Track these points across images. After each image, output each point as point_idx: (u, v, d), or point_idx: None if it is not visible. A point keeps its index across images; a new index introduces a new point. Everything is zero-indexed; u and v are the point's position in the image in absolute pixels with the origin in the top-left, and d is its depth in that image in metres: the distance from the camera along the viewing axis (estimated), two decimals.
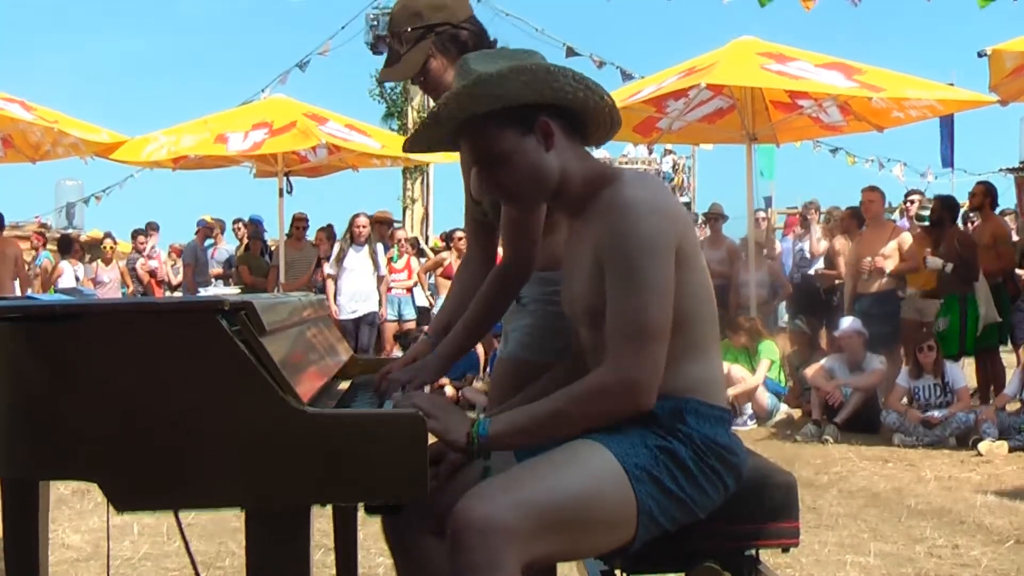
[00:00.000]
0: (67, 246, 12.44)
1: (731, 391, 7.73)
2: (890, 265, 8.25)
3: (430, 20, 2.43)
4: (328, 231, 11.17)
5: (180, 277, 12.94)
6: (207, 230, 12.54)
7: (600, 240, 1.94)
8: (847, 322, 7.79)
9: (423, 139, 2.08)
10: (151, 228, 13.21)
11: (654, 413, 1.95)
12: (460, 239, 11.29)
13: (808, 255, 10.00)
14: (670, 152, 18.32)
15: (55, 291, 10.37)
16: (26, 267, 10.98)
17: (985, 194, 8.19)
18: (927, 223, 8.21)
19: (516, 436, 1.95)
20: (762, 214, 11.49)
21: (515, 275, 2.38)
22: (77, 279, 12.01)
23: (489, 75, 1.90)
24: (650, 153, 17.16)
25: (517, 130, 1.95)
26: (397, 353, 9.88)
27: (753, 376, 7.98)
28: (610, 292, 1.91)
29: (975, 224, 8.18)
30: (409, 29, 2.45)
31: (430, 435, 1.83)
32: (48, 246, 13.62)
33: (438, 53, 2.45)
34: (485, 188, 2.04)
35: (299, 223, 11.02)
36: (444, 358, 2.38)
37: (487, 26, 2.54)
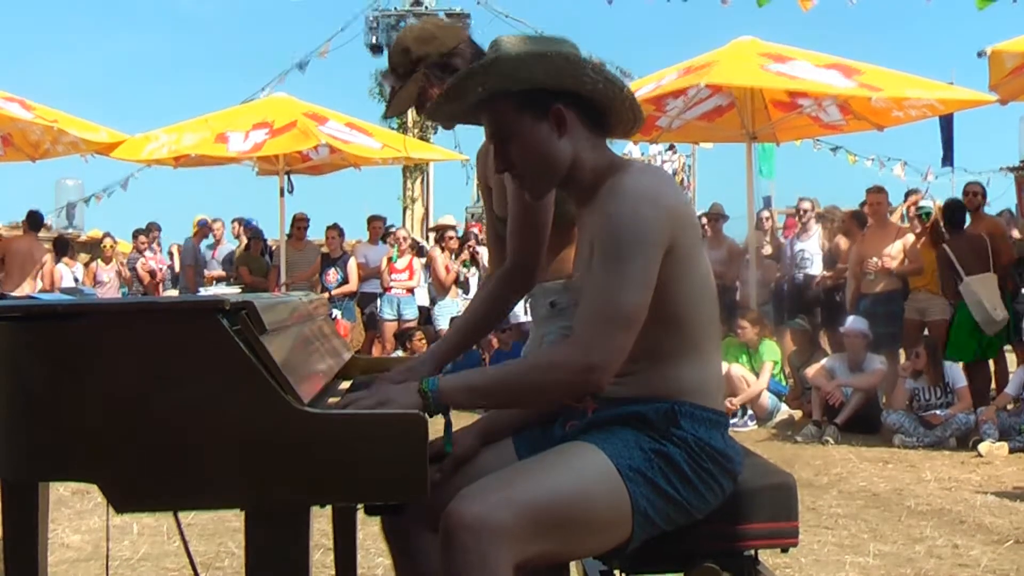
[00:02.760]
0: (63, 247, 12.38)
1: (737, 400, 7.75)
2: (895, 266, 8.26)
3: (417, 54, 2.47)
4: (336, 229, 11.19)
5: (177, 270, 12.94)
6: (206, 229, 12.51)
7: (596, 226, 1.95)
8: (853, 321, 7.78)
9: (442, 112, 2.10)
10: (153, 228, 13.15)
11: (648, 416, 1.95)
12: (451, 238, 11.33)
13: (809, 255, 9.99)
14: (673, 151, 18.29)
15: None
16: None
17: (984, 194, 8.25)
18: (927, 220, 8.24)
19: (468, 393, 1.94)
20: (766, 214, 11.50)
21: (519, 277, 2.39)
22: (76, 280, 11.98)
23: (508, 57, 1.92)
24: (667, 147, 17.09)
25: (533, 114, 1.97)
26: (398, 353, 9.89)
27: (757, 380, 7.98)
28: (592, 271, 1.92)
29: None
30: (400, 66, 2.49)
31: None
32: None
33: (432, 83, 2.47)
34: (498, 163, 2.06)
35: (300, 223, 11.02)
36: (438, 356, 2.38)
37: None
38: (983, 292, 7.47)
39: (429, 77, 2.46)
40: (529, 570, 1.84)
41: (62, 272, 11.81)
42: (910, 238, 8.39)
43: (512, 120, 1.98)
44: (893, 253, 8.29)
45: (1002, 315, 7.46)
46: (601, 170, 2.01)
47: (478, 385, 1.96)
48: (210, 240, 12.53)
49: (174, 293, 12.26)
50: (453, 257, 11.17)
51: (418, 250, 11.78)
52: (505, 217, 2.47)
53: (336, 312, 10.04)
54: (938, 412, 6.96)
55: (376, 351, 10.54)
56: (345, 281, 10.71)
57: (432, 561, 2.09)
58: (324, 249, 11.04)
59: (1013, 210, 12.66)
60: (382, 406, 1.85)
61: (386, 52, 2.69)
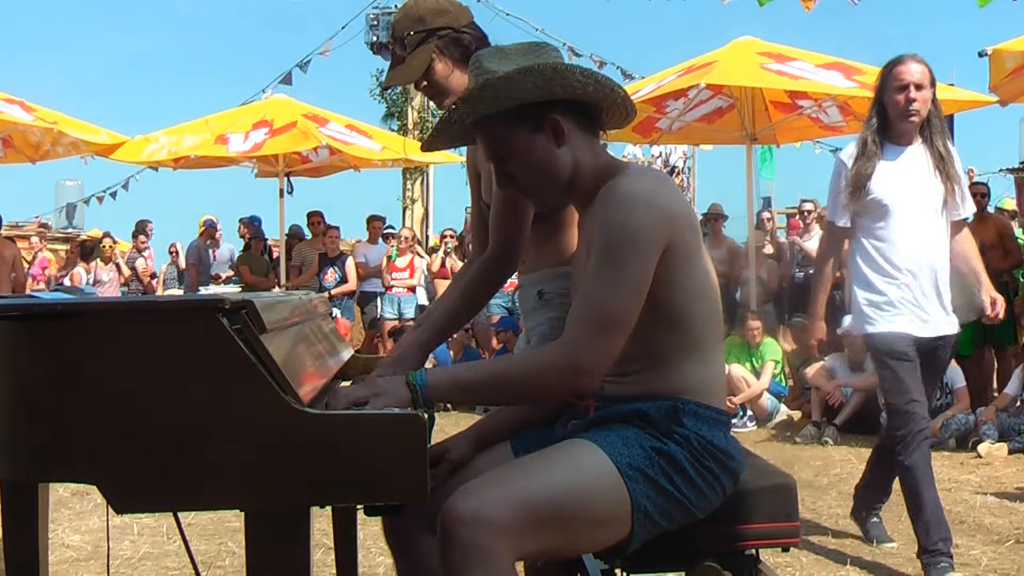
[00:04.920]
0: (88, 252, 12.32)
1: (737, 399, 7.75)
2: None
3: (432, 24, 2.46)
4: (333, 229, 11.21)
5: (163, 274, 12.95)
6: (212, 230, 12.52)
7: (593, 229, 1.95)
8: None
9: (440, 140, 2.11)
10: (144, 225, 13.10)
11: (650, 414, 1.95)
12: (450, 237, 11.35)
13: (814, 254, 10.00)
14: (665, 157, 18.26)
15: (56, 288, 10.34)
16: (24, 268, 10.91)
17: (988, 195, 8.27)
18: None
19: (456, 388, 1.95)
20: (767, 214, 11.50)
21: (500, 265, 2.39)
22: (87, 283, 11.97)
23: (496, 78, 1.92)
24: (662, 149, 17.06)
25: (528, 128, 1.97)
26: None
27: (758, 381, 7.97)
28: (586, 275, 1.92)
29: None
30: (412, 33, 2.48)
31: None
32: (48, 246, 13.56)
33: (441, 56, 2.47)
34: (499, 182, 2.06)
35: (317, 220, 11.12)
36: (423, 345, 2.39)
37: (487, 26, 2.55)
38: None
39: (441, 49, 2.46)
40: (538, 566, 1.84)
41: (80, 274, 11.83)
42: None
43: (509, 138, 1.98)
44: None
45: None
46: (600, 172, 2.01)
47: (466, 381, 1.96)
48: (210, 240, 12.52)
49: (175, 291, 12.26)
50: (451, 253, 11.24)
51: (420, 247, 11.83)
52: (489, 204, 2.47)
53: (336, 311, 10.05)
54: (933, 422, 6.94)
55: (378, 350, 10.56)
56: (344, 280, 10.72)
57: (433, 561, 2.09)
58: (321, 249, 11.07)
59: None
60: (373, 398, 1.85)
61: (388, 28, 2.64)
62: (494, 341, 9.74)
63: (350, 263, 10.86)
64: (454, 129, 2.04)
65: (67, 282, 11.64)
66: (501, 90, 1.92)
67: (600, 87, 1.97)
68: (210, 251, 12.30)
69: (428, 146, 2.18)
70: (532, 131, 1.97)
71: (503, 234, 2.36)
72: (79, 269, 11.89)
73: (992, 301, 3.81)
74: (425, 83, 2.52)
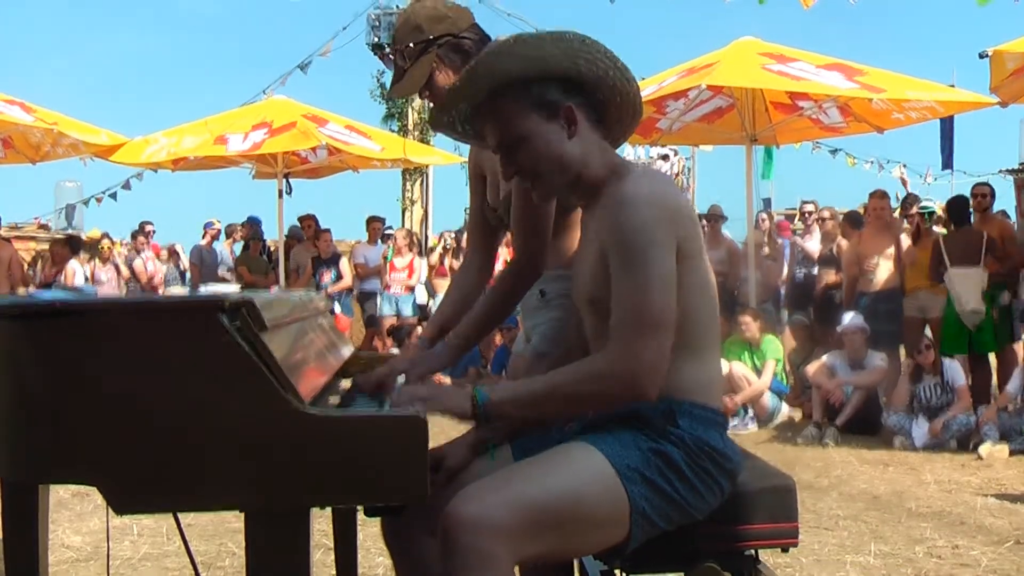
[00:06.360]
0: (77, 246, 12.29)
1: (739, 398, 7.74)
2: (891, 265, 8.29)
3: (431, 33, 2.43)
4: (325, 231, 11.21)
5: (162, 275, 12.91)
6: (214, 231, 12.52)
7: (603, 234, 1.95)
8: (850, 318, 7.78)
9: (452, 108, 2.07)
10: (145, 226, 13.09)
11: (646, 415, 1.95)
12: (448, 236, 11.39)
13: (810, 255, 10.01)
14: (666, 157, 18.22)
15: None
16: (23, 269, 10.87)
17: (993, 195, 8.28)
18: (929, 221, 8.29)
19: (517, 406, 1.97)
20: (764, 215, 11.52)
21: (526, 271, 2.39)
22: (86, 278, 11.94)
23: (529, 36, 1.92)
24: (661, 154, 17.03)
25: (542, 114, 1.97)
26: (394, 351, 9.90)
27: (759, 380, 7.96)
28: (614, 282, 1.91)
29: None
30: (411, 44, 2.45)
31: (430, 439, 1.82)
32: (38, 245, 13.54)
33: (442, 65, 2.45)
34: (506, 171, 2.04)
35: (310, 223, 11.09)
36: (454, 348, 2.39)
37: (488, 26, 2.54)
38: (959, 284, 7.52)
39: (441, 58, 2.44)
40: (533, 569, 1.84)
41: (74, 268, 11.76)
42: (906, 239, 8.41)
43: (523, 121, 1.97)
44: (892, 253, 8.30)
45: (972, 307, 7.47)
46: (608, 171, 2.01)
47: (527, 398, 1.97)
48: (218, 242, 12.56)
49: (177, 290, 12.23)
50: (449, 252, 11.26)
51: (419, 248, 11.83)
52: (498, 207, 2.46)
53: (336, 306, 10.07)
54: (937, 422, 6.94)
55: (377, 349, 10.56)
56: (340, 278, 10.73)
57: (432, 562, 2.08)
58: (313, 252, 11.06)
59: (1011, 213, 12.66)
60: (432, 399, 1.91)
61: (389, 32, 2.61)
62: (497, 338, 9.73)
63: (344, 261, 10.87)
64: (470, 91, 1.99)
65: (62, 279, 11.56)
66: (533, 49, 1.91)
67: (619, 73, 1.98)
68: (228, 252, 12.29)
69: (436, 120, 2.13)
70: (546, 118, 1.97)
71: (527, 244, 2.36)
72: (74, 264, 11.74)
73: None
74: (427, 92, 2.51)
